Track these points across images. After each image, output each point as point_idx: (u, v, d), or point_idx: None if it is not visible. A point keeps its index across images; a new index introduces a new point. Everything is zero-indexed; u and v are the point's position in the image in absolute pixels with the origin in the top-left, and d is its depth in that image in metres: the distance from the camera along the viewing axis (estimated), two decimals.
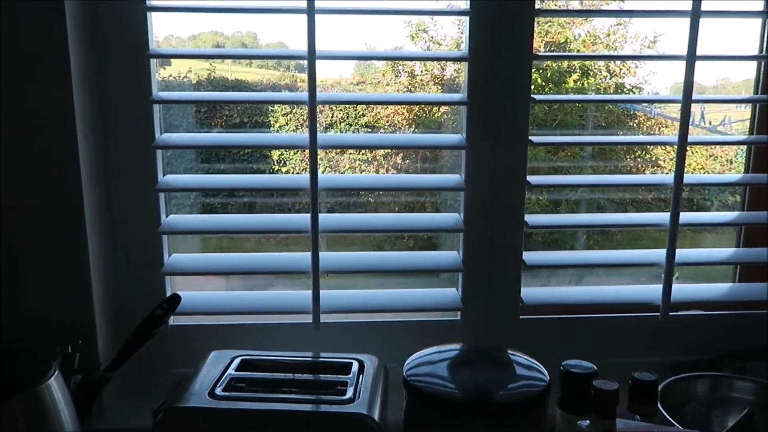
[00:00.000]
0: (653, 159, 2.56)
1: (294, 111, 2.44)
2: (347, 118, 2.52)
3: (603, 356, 0.99)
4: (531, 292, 1.13)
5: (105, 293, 1.03)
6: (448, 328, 1.14)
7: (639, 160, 2.57)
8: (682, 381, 0.99)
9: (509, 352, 0.91)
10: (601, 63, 2.69)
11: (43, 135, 0.92)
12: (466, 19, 1.02)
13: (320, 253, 1.04)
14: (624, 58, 2.93)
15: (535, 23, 1.02)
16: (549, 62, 2.28)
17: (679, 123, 1.04)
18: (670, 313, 1.13)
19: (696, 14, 1.00)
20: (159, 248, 1.06)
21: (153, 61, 1.01)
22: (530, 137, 1.05)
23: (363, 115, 2.55)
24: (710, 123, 2.70)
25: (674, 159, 1.06)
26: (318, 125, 0.99)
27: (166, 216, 1.07)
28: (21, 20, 0.88)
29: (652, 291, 1.13)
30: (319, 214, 1.02)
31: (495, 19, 1.01)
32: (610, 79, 2.82)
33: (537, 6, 1.01)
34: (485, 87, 1.03)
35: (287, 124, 2.61)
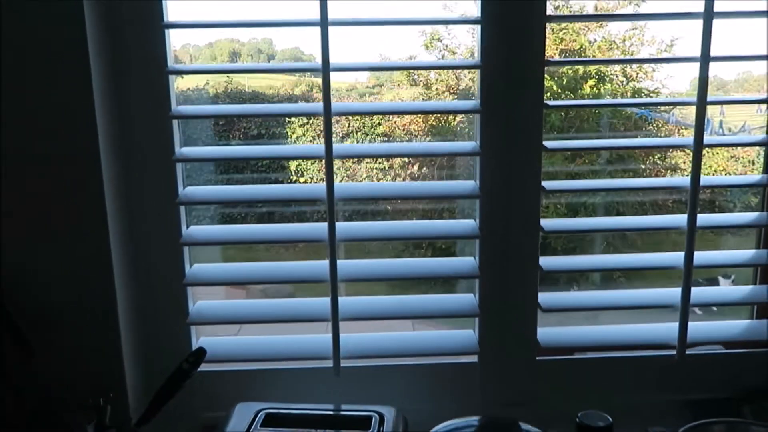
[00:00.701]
0: (672, 165, 2.52)
1: (311, 122, 2.47)
2: (363, 127, 2.54)
3: (619, 395, 1.02)
4: (547, 333, 1.13)
5: (134, 345, 1.05)
6: (467, 371, 1.15)
7: (658, 164, 2.55)
8: (698, 428, 0.97)
9: (522, 426, 0.95)
10: (618, 67, 2.66)
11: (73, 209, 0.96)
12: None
13: (339, 299, 1.05)
14: (637, 61, 2.90)
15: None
16: (564, 69, 2.26)
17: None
18: (687, 351, 1.11)
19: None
20: (184, 297, 1.08)
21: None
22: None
23: (379, 124, 2.57)
24: (729, 130, 2.67)
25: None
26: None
27: (191, 266, 1.10)
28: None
29: (669, 330, 1.12)
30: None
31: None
32: (627, 83, 2.79)
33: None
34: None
35: (304, 135, 2.64)
